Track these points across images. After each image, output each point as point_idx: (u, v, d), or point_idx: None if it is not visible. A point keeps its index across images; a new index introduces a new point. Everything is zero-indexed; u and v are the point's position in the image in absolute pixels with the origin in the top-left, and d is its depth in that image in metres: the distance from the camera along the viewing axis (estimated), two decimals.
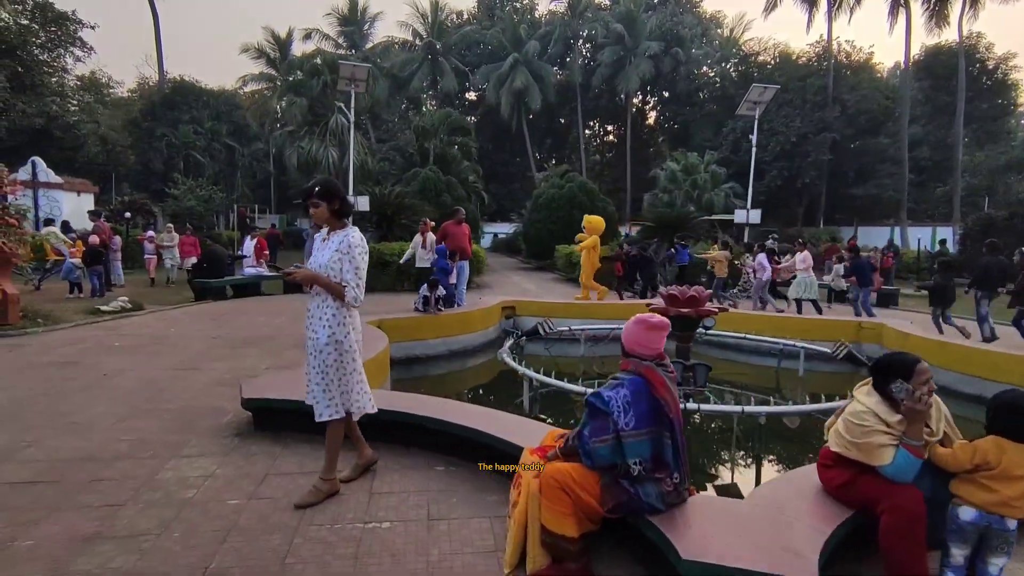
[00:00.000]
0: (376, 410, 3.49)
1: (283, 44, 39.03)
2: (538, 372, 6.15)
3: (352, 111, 14.83)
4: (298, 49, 39.56)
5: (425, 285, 8.82)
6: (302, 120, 25.32)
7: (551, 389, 6.07)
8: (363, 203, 14.77)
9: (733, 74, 46.30)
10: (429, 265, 9.93)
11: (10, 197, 9.06)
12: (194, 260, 14.59)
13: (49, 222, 12.99)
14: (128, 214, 18.22)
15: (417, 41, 42.67)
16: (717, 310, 6.32)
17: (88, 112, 26.94)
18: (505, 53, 42.33)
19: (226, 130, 29.61)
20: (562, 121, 51.64)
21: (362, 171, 25.48)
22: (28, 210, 9.06)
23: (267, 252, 15.08)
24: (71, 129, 24.16)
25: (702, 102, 43.93)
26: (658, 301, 6.71)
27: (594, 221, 12.62)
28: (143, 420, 4.59)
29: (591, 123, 51.90)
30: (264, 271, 13.32)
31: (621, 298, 12.79)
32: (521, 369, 6.07)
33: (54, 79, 29.15)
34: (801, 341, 8.30)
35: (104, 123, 29.89)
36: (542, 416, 5.87)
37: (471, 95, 48.60)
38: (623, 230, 25.92)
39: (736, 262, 13.58)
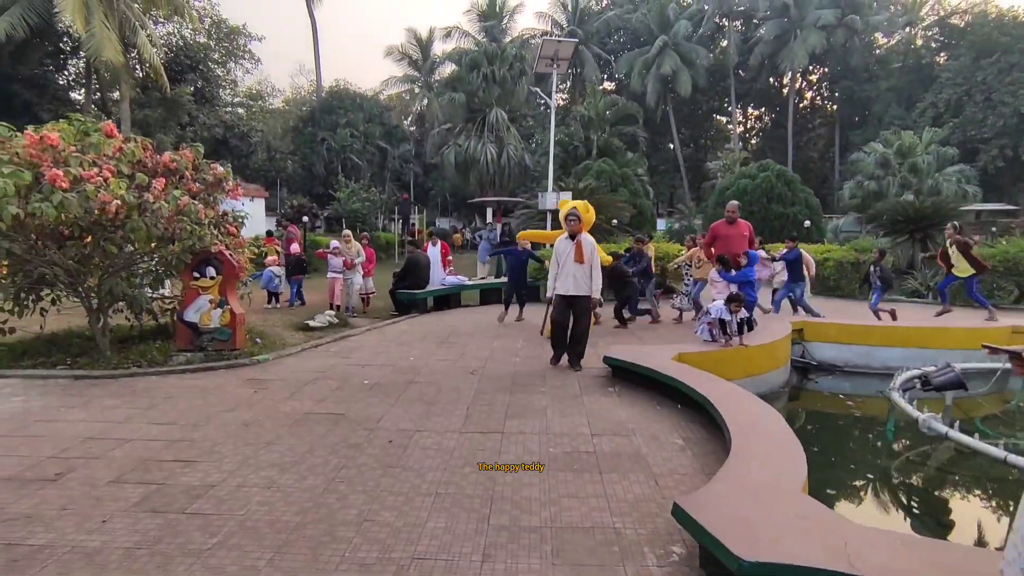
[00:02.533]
0: None
1: (424, 45, 39.01)
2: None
3: (553, 96, 13.07)
4: (438, 49, 39.42)
5: (719, 306, 6.64)
6: (458, 117, 24.30)
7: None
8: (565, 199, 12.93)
9: (919, 40, 39.80)
10: (576, 293, 6.17)
11: (226, 202, 8.11)
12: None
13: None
14: (306, 218, 17.95)
15: (556, 31, 40.82)
16: None
17: (259, 120, 27.99)
18: (649, 38, 39.37)
19: (378, 132, 29.60)
20: (702, 109, 47.54)
21: (519, 168, 24.00)
22: (246, 215, 7.95)
23: (451, 257, 13.63)
24: (245, 137, 25.00)
25: (884, 75, 37.88)
26: None
27: (591, 213, 7.90)
28: (521, 557, 2.81)
29: (733, 107, 47.13)
30: (465, 280, 11.89)
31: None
32: (981, 446, 3.69)
33: (227, 91, 30.87)
34: None
35: (267, 131, 31.18)
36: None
37: (608, 84, 45.94)
38: (833, 223, 22.26)
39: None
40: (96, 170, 5.58)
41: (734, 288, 7.02)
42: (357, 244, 11.40)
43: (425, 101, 38.74)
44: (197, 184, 6.99)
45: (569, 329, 6.32)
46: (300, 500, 3.38)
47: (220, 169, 7.30)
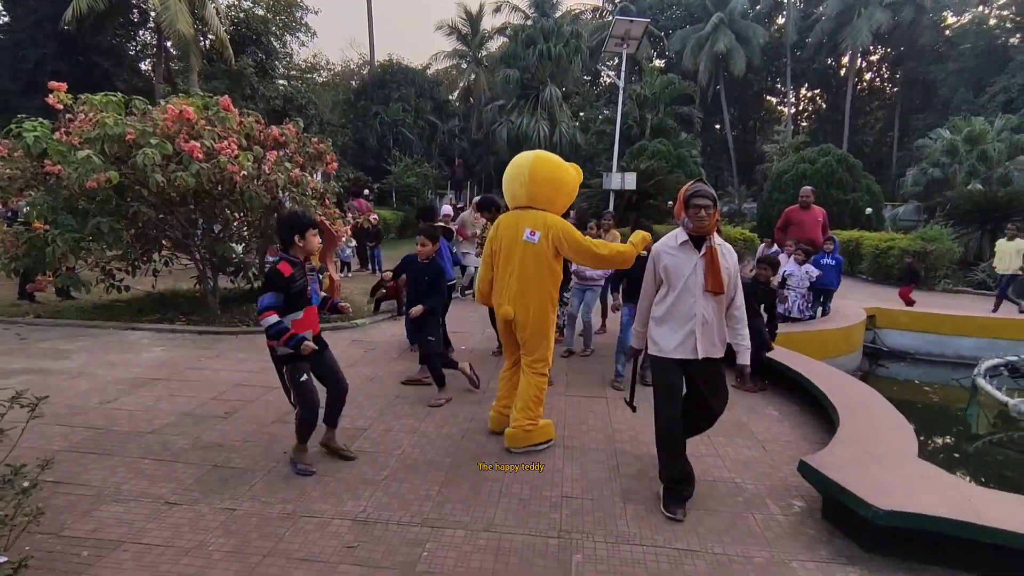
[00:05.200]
0: None
1: (474, 20, 38.89)
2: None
3: (623, 76, 13.12)
4: (487, 23, 39.28)
5: (791, 264, 6.82)
6: (512, 93, 24.38)
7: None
8: (630, 181, 13.07)
9: (993, 20, 37.72)
10: (704, 353, 3.01)
11: (320, 175, 8.57)
12: None
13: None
14: (367, 192, 18.46)
15: (608, 6, 40.18)
16: None
17: (315, 92, 28.60)
18: (702, 14, 38.41)
19: (429, 107, 29.91)
20: (753, 89, 46.28)
21: (571, 146, 24.05)
22: (336, 187, 8.39)
23: None
24: (303, 110, 25.59)
25: (953, 57, 36.10)
26: None
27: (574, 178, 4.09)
28: (657, 501, 3.17)
29: (787, 88, 45.69)
30: None
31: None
32: None
33: (283, 63, 31.52)
34: None
35: (320, 104, 31.73)
36: None
37: (659, 62, 45.03)
38: (892, 211, 21.71)
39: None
40: (226, 143, 6.07)
41: (795, 271, 7.14)
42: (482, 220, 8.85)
43: (473, 76, 38.83)
44: (300, 156, 7.45)
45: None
46: (444, 445, 3.82)
47: (321, 144, 7.73)
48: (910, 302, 9.86)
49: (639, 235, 4.12)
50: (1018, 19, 35.93)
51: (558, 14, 39.15)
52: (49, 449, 3.50)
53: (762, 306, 5.43)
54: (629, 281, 5.13)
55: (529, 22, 37.87)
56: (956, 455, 5.17)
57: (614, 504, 3.14)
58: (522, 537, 2.80)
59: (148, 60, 29.09)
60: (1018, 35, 35.99)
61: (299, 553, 2.63)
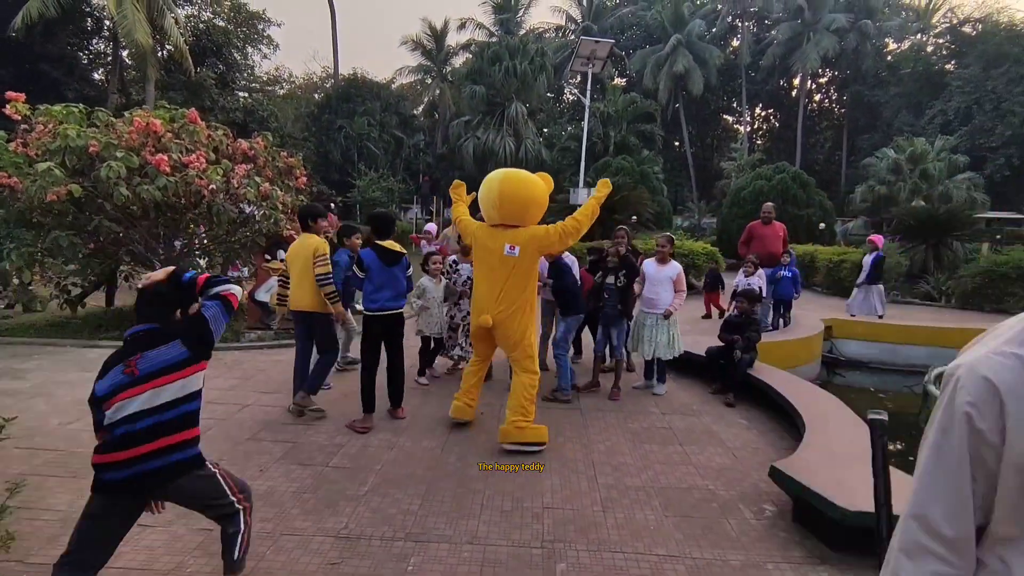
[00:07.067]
0: None
1: (439, 35, 39.15)
2: None
3: (588, 95, 13.41)
4: (452, 40, 39.59)
5: (746, 280, 7.07)
6: (478, 109, 24.59)
7: None
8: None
9: (930, 47, 40.16)
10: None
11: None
12: None
13: None
14: (332, 205, 18.27)
15: (571, 26, 41.07)
16: None
17: (277, 106, 28.23)
18: (661, 35, 39.65)
19: (394, 121, 29.85)
20: (710, 108, 47.93)
21: (536, 162, 24.38)
22: (303, 201, 8.28)
23: None
24: (264, 123, 25.20)
25: (894, 81, 38.21)
26: None
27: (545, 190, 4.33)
28: (636, 509, 3.25)
29: (743, 107, 47.52)
30: None
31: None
32: None
33: (245, 75, 31.05)
34: None
35: (281, 117, 31.32)
36: None
37: (620, 80, 46.21)
38: (842, 226, 22.66)
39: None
40: (194, 156, 5.96)
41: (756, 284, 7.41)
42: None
43: (438, 91, 39.01)
44: (269, 171, 7.37)
45: None
46: (424, 458, 3.82)
47: (291, 159, 7.66)
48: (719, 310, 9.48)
49: (603, 184, 4.57)
50: (953, 46, 38.32)
51: (522, 32, 39.88)
52: (8, 473, 3.36)
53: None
54: (559, 293, 5.21)
55: (494, 39, 38.37)
56: (911, 458, 5.44)
57: (594, 513, 3.20)
58: (506, 548, 2.83)
59: (102, 69, 28.23)
60: (953, 61, 38.39)
61: (282, 572, 2.60)
